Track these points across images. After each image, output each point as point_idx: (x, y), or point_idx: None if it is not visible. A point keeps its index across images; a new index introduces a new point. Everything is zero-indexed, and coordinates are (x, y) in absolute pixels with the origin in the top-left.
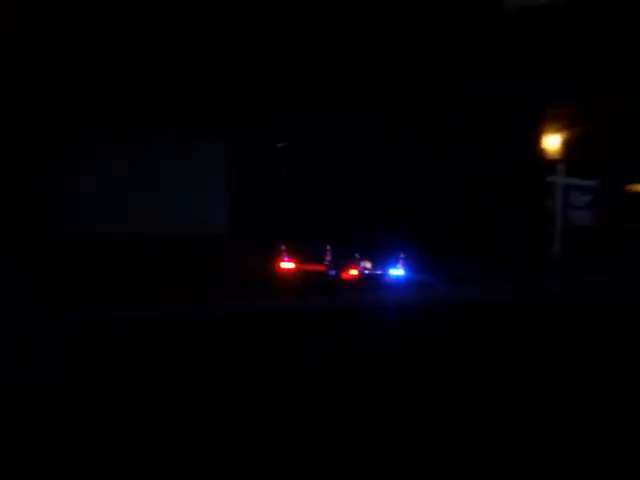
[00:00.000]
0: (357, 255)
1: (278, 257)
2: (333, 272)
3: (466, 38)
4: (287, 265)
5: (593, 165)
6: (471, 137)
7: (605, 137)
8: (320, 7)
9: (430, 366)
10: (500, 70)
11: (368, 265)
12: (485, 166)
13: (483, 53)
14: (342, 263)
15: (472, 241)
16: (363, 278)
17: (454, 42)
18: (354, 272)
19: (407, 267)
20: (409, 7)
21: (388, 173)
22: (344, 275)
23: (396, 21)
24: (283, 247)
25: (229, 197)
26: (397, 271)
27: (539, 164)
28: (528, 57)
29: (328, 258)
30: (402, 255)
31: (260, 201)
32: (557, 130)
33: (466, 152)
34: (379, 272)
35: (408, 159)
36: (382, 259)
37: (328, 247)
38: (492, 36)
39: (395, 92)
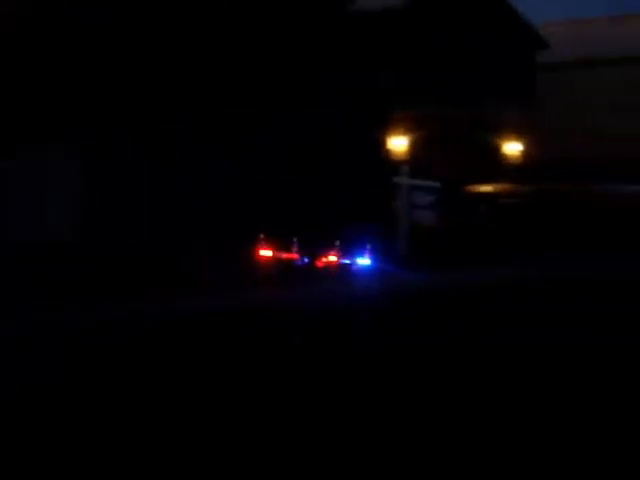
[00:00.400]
0: (337, 243)
1: (258, 246)
2: (305, 260)
3: (308, 37)
4: (265, 253)
5: (436, 167)
6: (316, 139)
7: (447, 140)
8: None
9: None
10: (346, 72)
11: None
12: (331, 167)
13: (326, 53)
14: (315, 252)
15: (327, 240)
16: (336, 266)
17: (294, 41)
18: (331, 259)
19: (373, 257)
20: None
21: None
22: (317, 263)
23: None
24: (262, 237)
25: (83, 207)
26: (364, 260)
27: (385, 165)
28: (373, 59)
29: (299, 248)
30: (368, 245)
31: (115, 210)
32: (402, 133)
33: (311, 153)
34: (348, 261)
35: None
36: (349, 249)
37: (295, 239)
38: (335, 37)
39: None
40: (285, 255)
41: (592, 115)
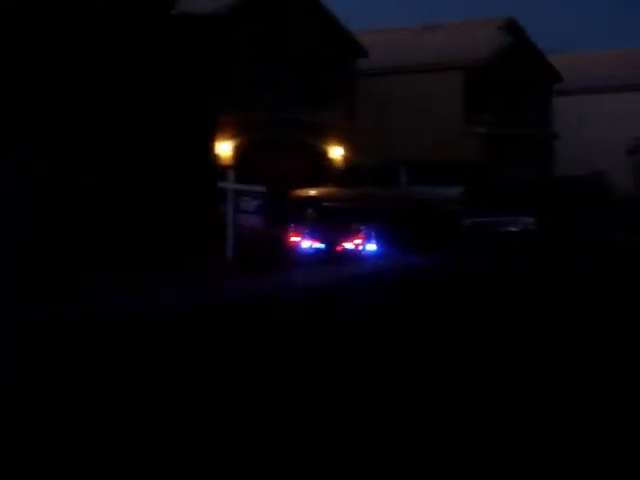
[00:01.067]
0: (360, 228)
1: (289, 234)
2: (324, 246)
3: (130, 40)
4: (294, 239)
5: (263, 171)
6: (143, 142)
7: (273, 144)
8: None
9: None
10: (170, 75)
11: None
12: (155, 170)
13: (148, 57)
14: (333, 239)
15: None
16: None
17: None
18: (349, 245)
19: (378, 243)
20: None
21: None
22: (337, 248)
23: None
24: (292, 226)
25: None
26: (372, 246)
27: (211, 170)
28: (199, 63)
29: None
30: (373, 233)
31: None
32: (229, 138)
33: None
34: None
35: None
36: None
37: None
38: (160, 40)
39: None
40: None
41: (406, 120)
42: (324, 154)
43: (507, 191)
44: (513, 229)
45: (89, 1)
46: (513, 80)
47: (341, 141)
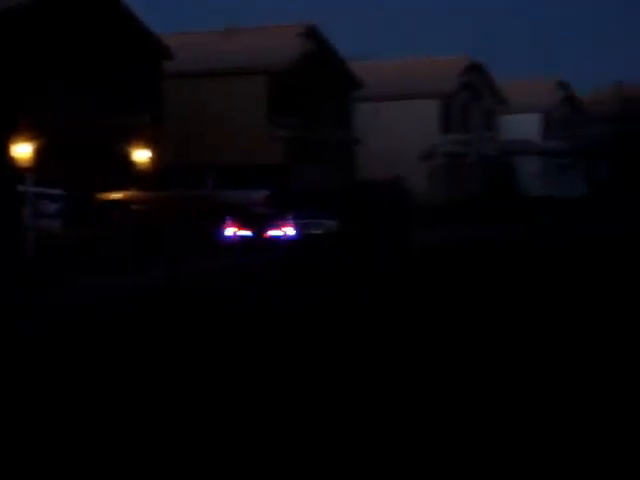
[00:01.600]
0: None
1: (224, 225)
2: (252, 234)
3: None
4: (229, 229)
5: (63, 175)
6: None
7: (76, 147)
8: None
9: None
10: None
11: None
12: None
13: None
14: (260, 229)
15: None
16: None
17: None
18: (274, 233)
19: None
20: None
21: None
22: (263, 236)
23: None
24: (228, 218)
25: None
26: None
27: (10, 172)
28: None
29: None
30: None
31: None
32: (28, 140)
33: None
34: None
35: None
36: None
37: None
38: None
39: None
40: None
41: (213, 124)
42: (130, 157)
43: (311, 194)
44: (316, 232)
45: None
46: (315, 85)
47: (148, 144)
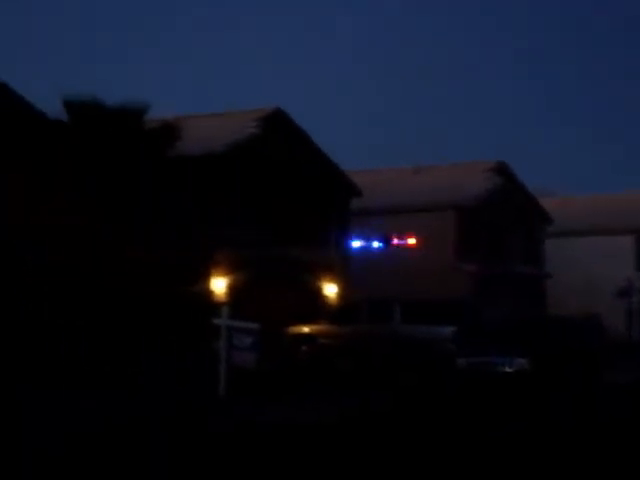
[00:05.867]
0: None
1: None
2: None
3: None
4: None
5: (256, 308)
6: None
7: (266, 281)
8: None
9: None
10: (162, 212)
11: None
12: (151, 308)
13: (145, 197)
14: None
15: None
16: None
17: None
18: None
19: None
20: None
21: None
22: None
23: None
24: None
25: None
26: None
27: (207, 305)
28: (184, 202)
29: None
30: None
31: None
32: (222, 274)
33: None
34: None
35: None
36: None
37: None
38: (155, 181)
39: None
40: None
41: (396, 259)
42: (318, 290)
43: (500, 330)
44: (507, 370)
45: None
46: (503, 220)
47: (334, 278)
